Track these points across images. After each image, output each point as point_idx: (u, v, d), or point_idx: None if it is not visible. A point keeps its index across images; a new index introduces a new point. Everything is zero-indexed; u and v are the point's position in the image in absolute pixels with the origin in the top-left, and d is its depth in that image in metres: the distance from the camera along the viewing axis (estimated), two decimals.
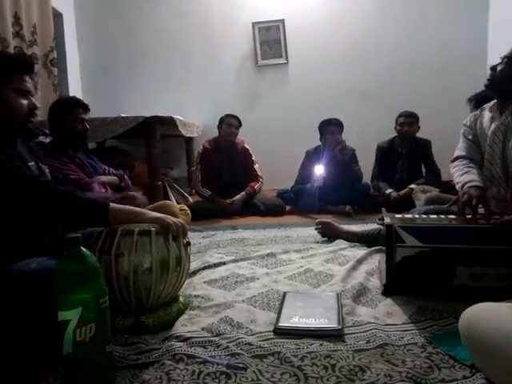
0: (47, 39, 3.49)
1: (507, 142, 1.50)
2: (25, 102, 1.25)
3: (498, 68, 1.53)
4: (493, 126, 1.57)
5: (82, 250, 0.88)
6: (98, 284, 0.88)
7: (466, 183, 1.52)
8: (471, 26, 3.78)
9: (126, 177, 2.31)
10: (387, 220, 1.39)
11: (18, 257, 1.15)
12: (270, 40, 4.00)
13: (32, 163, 1.31)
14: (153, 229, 1.17)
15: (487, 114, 1.64)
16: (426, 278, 1.30)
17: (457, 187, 1.59)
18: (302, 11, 3.97)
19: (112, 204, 1.18)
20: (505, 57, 1.53)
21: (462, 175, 1.59)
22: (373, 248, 1.84)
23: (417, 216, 1.55)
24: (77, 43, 4.14)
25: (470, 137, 1.71)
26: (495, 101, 1.60)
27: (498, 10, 3.66)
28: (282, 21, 3.96)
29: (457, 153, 1.74)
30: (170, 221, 1.20)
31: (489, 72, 1.59)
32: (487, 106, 1.66)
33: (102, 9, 4.15)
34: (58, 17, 3.78)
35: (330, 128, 3.13)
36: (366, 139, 3.37)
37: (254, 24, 3.99)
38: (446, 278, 1.26)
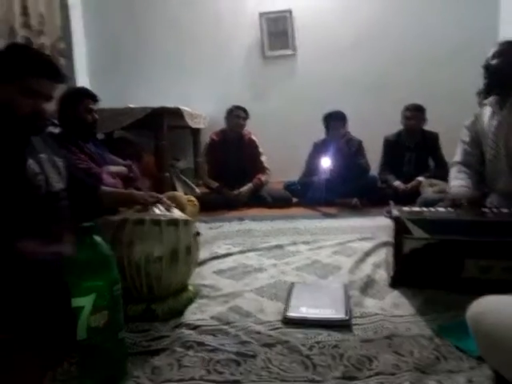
0: (54, 29, 3.49)
1: (510, 136, 1.51)
2: (29, 103, 1.20)
3: (493, 63, 1.55)
4: (494, 121, 1.59)
5: (95, 239, 0.90)
6: (111, 272, 0.90)
7: (451, 187, 1.65)
8: (480, 14, 3.71)
9: (134, 167, 2.32)
10: (395, 212, 1.39)
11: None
12: (278, 31, 3.96)
13: (44, 155, 1.32)
14: (163, 219, 1.19)
15: (488, 110, 1.66)
16: (434, 271, 1.30)
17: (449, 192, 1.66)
18: (309, 2, 3.93)
19: (103, 187, 1.39)
20: (495, 52, 1.55)
21: (452, 181, 1.71)
22: (380, 240, 1.85)
23: (425, 209, 1.56)
24: (84, 33, 4.13)
25: (467, 140, 1.77)
26: (495, 96, 1.62)
27: None
28: (290, 11, 3.92)
29: (454, 158, 1.82)
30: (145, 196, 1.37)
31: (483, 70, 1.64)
32: (488, 101, 1.68)
33: None
34: (64, 7, 3.77)
35: (332, 122, 3.13)
36: (373, 131, 3.35)
37: (261, 14, 3.95)
38: (454, 270, 1.26)
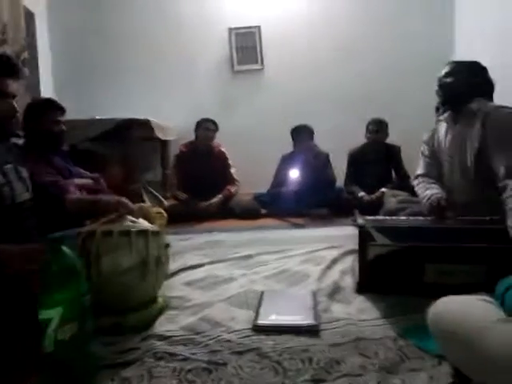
0: (18, 39, 3.41)
1: (465, 150, 1.62)
2: (3, 105, 1.22)
3: (446, 81, 1.67)
4: (449, 136, 1.70)
5: (63, 250, 0.89)
6: (79, 283, 0.89)
7: (432, 195, 1.68)
8: (437, 31, 3.97)
9: (101, 180, 2.28)
10: (360, 221, 1.45)
11: None
12: (246, 46, 4.05)
13: (9, 166, 1.30)
14: (133, 229, 1.19)
15: (443, 126, 1.78)
16: (397, 276, 1.36)
17: (423, 202, 1.71)
18: (278, 17, 4.04)
19: (68, 196, 1.27)
20: (448, 71, 1.68)
21: (425, 191, 1.75)
22: (347, 249, 1.91)
23: (387, 218, 1.63)
24: (49, 44, 4.06)
25: (426, 153, 1.88)
26: (449, 112, 1.74)
27: (463, 12, 3.87)
28: (258, 27, 4.02)
29: (417, 171, 1.91)
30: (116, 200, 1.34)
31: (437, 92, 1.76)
32: (443, 117, 1.80)
33: (75, 9, 4.08)
34: (29, 16, 3.69)
35: (299, 135, 3.22)
36: (340, 143, 3.45)
37: (230, 30, 4.03)
38: (416, 275, 1.32)
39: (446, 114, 1.78)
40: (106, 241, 1.16)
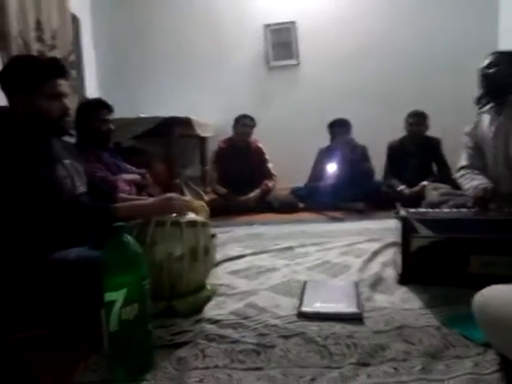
0: (66, 43, 3.61)
1: (509, 141, 1.59)
2: (57, 105, 1.32)
3: (490, 72, 1.64)
4: (493, 127, 1.68)
5: (126, 238, 0.97)
6: (140, 268, 0.97)
7: (478, 185, 1.67)
8: (480, 24, 3.82)
9: (147, 175, 2.40)
10: (402, 213, 1.46)
11: (57, 247, 1.25)
12: (282, 42, 4.07)
13: (68, 161, 1.41)
14: (183, 220, 1.27)
15: (487, 118, 1.75)
16: (441, 267, 1.37)
17: (467, 193, 1.69)
18: (313, 13, 4.04)
19: (117, 204, 1.31)
20: (491, 62, 1.65)
21: (471, 181, 1.74)
22: (387, 241, 1.91)
23: (430, 210, 1.63)
24: (93, 46, 4.25)
25: (470, 145, 1.85)
26: (492, 104, 1.70)
27: (508, 8, 3.71)
28: (294, 23, 4.03)
29: (461, 163, 1.90)
30: (171, 202, 1.31)
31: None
32: (486, 109, 1.77)
33: (116, 12, 4.26)
34: (75, 21, 3.89)
35: (337, 129, 3.22)
36: (378, 137, 3.42)
37: (265, 26, 4.07)
38: (460, 267, 1.33)
39: (488, 106, 1.76)
40: (159, 231, 1.24)
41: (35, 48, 3.26)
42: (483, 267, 1.30)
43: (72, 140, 2.19)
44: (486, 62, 1.70)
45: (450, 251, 1.34)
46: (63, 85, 1.35)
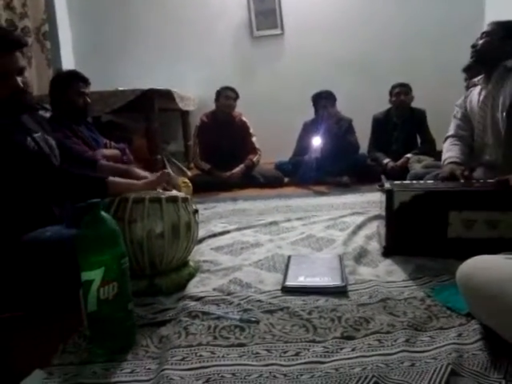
0: (38, 12, 3.42)
1: (495, 108, 1.59)
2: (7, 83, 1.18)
3: (480, 42, 1.64)
4: (481, 97, 1.67)
5: (102, 214, 0.93)
6: (118, 245, 0.93)
7: (445, 160, 1.72)
8: None
9: (127, 151, 2.33)
10: (387, 185, 1.45)
11: (31, 227, 1.20)
12: (266, 10, 3.94)
13: (38, 134, 1.34)
14: (163, 196, 1.22)
15: (477, 89, 1.74)
16: (422, 233, 1.37)
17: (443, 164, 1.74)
18: None
19: (110, 178, 1.25)
20: (483, 32, 1.65)
21: (446, 153, 1.77)
22: (371, 214, 1.91)
23: (414, 182, 1.63)
24: (68, 16, 4.05)
25: (458, 115, 1.86)
26: (482, 75, 1.70)
27: None
28: None
29: (448, 132, 1.89)
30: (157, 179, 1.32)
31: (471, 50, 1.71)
32: (477, 80, 1.76)
33: None
34: None
35: (322, 101, 3.16)
36: (362, 110, 3.39)
37: None
38: (440, 229, 1.34)
39: (479, 77, 1.75)
40: (137, 207, 1.19)
41: (4, 17, 3.09)
42: (463, 229, 1.31)
43: (46, 114, 2.10)
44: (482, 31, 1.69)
45: (430, 206, 1.35)
46: (15, 60, 1.19)
